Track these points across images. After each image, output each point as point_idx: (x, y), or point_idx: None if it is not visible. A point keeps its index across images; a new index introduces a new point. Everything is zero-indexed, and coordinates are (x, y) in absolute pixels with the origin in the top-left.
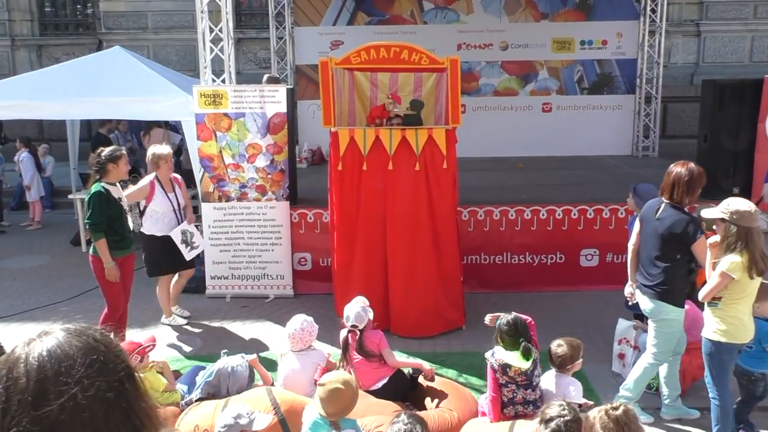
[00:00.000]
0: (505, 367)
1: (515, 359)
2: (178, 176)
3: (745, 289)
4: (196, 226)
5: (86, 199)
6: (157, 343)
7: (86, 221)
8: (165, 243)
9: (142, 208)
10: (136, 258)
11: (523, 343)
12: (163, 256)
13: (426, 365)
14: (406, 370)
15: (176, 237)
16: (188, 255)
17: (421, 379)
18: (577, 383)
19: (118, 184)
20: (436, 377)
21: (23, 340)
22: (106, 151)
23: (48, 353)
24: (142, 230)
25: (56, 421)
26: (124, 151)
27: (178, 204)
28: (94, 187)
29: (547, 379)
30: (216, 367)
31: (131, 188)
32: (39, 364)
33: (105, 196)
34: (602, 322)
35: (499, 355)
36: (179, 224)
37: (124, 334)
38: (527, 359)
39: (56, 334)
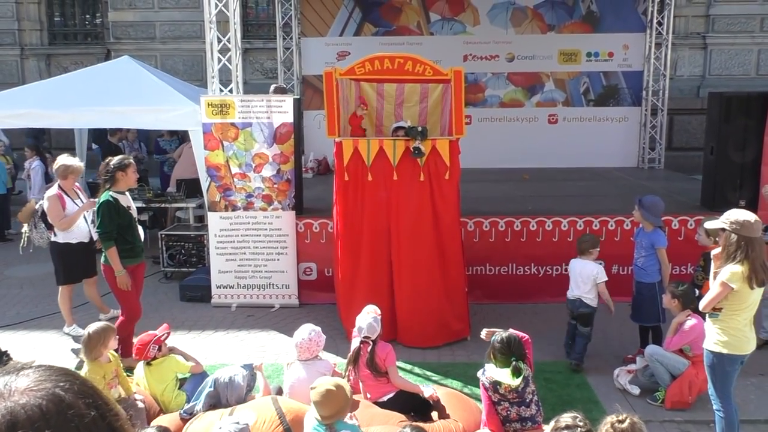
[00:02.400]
0: (495, 385)
1: (505, 376)
2: (78, 184)
3: (746, 299)
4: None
5: (96, 209)
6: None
7: (97, 230)
8: (79, 250)
9: (42, 220)
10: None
11: (513, 363)
12: (78, 263)
13: (426, 393)
14: None
15: (89, 217)
16: (96, 234)
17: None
18: (599, 265)
19: (126, 192)
20: (442, 388)
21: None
22: (115, 160)
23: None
24: (54, 240)
25: None
26: (132, 160)
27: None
28: (104, 196)
29: (577, 265)
30: (213, 378)
31: (45, 205)
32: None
33: (114, 205)
34: (607, 334)
35: (489, 372)
36: (89, 229)
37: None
38: (517, 377)
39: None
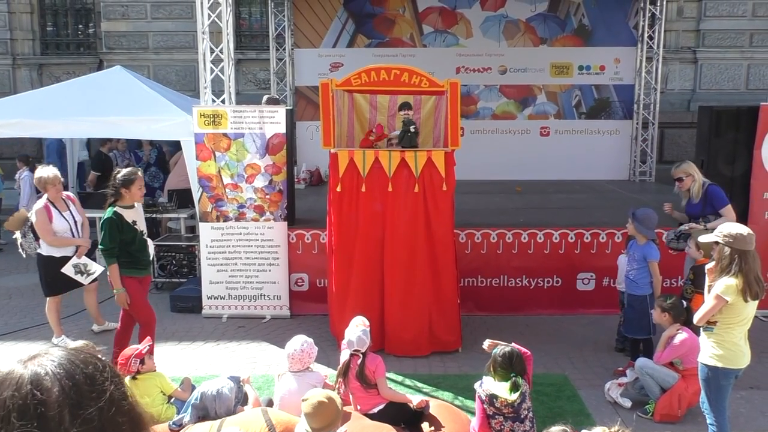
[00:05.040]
0: (492, 398)
1: (503, 390)
2: (71, 194)
3: (740, 313)
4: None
5: (100, 224)
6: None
7: (99, 246)
8: (63, 264)
9: (31, 230)
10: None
11: (513, 378)
12: (60, 276)
13: (415, 401)
14: None
15: (69, 272)
16: (86, 281)
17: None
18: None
19: (137, 205)
20: (432, 400)
21: (14, 362)
22: (120, 174)
23: (67, 361)
24: (39, 251)
25: (105, 419)
26: (139, 174)
27: (75, 222)
28: (107, 212)
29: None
30: (200, 391)
31: (33, 219)
32: (65, 370)
33: (116, 221)
34: (598, 346)
35: (486, 385)
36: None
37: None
38: (515, 392)
39: (53, 351)
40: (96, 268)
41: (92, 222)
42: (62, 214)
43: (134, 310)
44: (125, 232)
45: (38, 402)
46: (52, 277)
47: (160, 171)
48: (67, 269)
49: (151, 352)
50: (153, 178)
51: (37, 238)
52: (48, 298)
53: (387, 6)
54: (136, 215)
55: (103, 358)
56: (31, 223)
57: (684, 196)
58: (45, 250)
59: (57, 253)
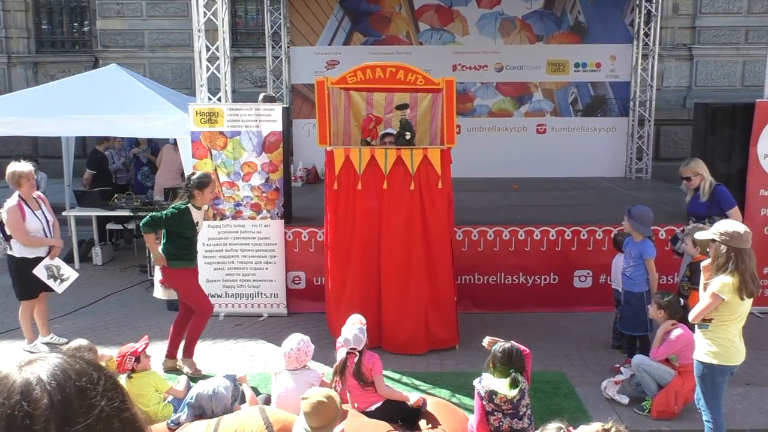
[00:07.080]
0: (491, 394)
1: (502, 387)
2: (41, 194)
3: (736, 310)
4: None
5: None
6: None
7: (152, 214)
8: (36, 265)
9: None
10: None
11: (512, 374)
12: (36, 278)
13: (413, 398)
14: None
15: (41, 274)
16: (60, 288)
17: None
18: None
19: (203, 208)
20: (430, 397)
21: (12, 365)
22: (195, 176)
23: (61, 371)
24: (10, 253)
25: None
26: (212, 178)
27: (47, 221)
28: (181, 202)
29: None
30: (196, 390)
31: (4, 217)
32: (57, 382)
33: (186, 214)
34: (595, 343)
35: (486, 381)
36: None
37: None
38: (514, 388)
39: (50, 358)
40: (69, 274)
41: (88, 219)
42: (34, 213)
43: (193, 299)
44: (188, 228)
45: (25, 414)
46: (26, 279)
47: (152, 171)
48: (39, 271)
49: (146, 351)
50: (146, 178)
51: (6, 239)
52: (22, 302)
53: (383, 4)
54: (199, 217)
55: (102, 367)
56: (0, 221)
57: (689, 193)
58: (17, 251)
59: (30, 254)
